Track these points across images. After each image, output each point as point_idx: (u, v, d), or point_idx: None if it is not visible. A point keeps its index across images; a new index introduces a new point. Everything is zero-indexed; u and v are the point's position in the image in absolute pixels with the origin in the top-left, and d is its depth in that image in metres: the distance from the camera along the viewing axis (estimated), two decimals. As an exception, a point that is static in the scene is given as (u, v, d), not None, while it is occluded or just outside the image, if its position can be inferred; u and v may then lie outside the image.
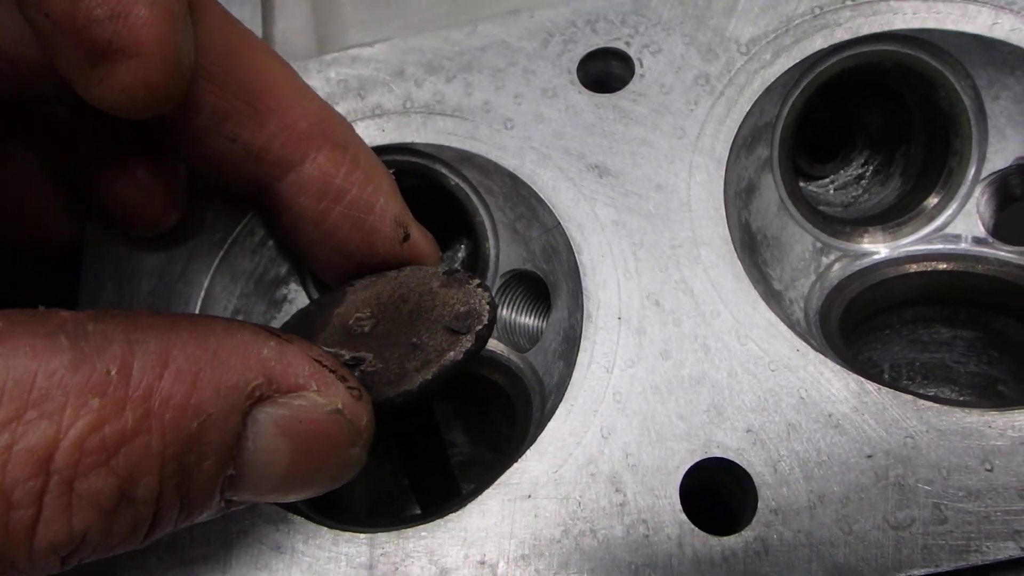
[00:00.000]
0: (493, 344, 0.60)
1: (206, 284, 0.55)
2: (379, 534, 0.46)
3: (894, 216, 0.62)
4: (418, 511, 0.67)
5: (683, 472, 0.46)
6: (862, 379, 0.47)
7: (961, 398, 0.66)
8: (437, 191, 0.59)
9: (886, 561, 0.43)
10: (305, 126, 0.49)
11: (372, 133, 0.57)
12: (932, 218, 0.60)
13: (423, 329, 0.47)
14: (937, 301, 0.63)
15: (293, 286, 0.61)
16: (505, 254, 0.60)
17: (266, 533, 0.46)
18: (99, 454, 0.33)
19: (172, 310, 0.54)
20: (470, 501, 0.46)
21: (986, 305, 0.62)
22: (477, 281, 0.49)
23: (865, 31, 0.55)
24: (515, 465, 0.47)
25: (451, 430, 0.70)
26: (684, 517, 0.45)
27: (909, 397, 0.46)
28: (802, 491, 0.45)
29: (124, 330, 0.35)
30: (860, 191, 0.67)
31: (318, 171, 0.50)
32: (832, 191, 0.68)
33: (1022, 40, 0.54)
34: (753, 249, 0.57)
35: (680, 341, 0.49)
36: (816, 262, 0.61)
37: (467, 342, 0.46)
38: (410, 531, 0.46)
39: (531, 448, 0.47)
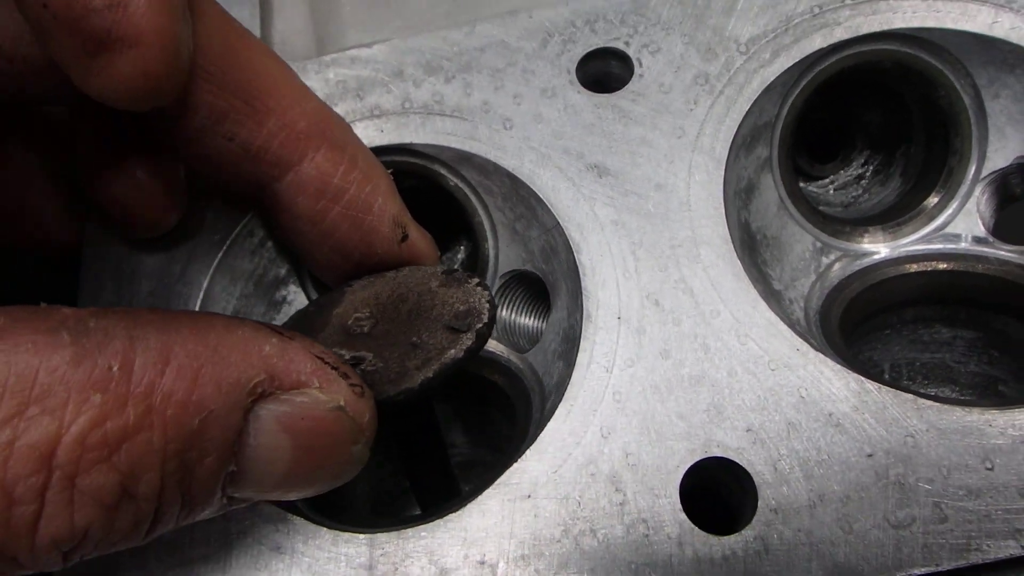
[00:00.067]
0: (493, 345, 0.60)
1: (205, 285, 0.55)
2: (379, 534, 0.46)
3: (894, 216, 0.62)
4: (418, 511, 0.67)
5: (683, 471, 0.46)
6: (862, 378, 0.47)
7: (962, 398, 0.66)
8: (436, 191, 0.59)
9: (886, 560, 0.43)
10: (303, 126, 0.49)
11: (371, 134, 0.57)
12: (932, 218, 0.60)
13: (423, 328, 0.47)
14: (937, 301, 0.63)
15: (292, 287, 0.61)
16: (504, 254, 0.60)
17: (266, 533, 0.46)
18: (101, 450, 0.33)
19: (172, 310, 0.54)
20: (470, 501, 0.46)
21: (986, 305, 0.62)
22: (476, 280, 0.49)
23: (864, 30, 0.56)
24: (515, 465, 0.47)
25: (451, 430, 0.70)
26: (684, 516, 0.45)
27: (909, 396, 0.46)
28: (802, 490, 0.45)
29: (125, 326, 0.35)
30: (860, 191, 0.67)
31: (316, 171, 0.50)
32: (832, 191, 0.68)
33: (1022, 39, 0.54)
34: (753, 249, 0.57)
35: (680, 340, 0.49)
36: (816, 262, 0.61)
37: (468, 340, 0.46)
38: (410, 531, 0.46)
39: (531, 448, 0.47)
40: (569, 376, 0.49)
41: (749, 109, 0.55)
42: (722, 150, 0.54)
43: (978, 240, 0.59)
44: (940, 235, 0.60)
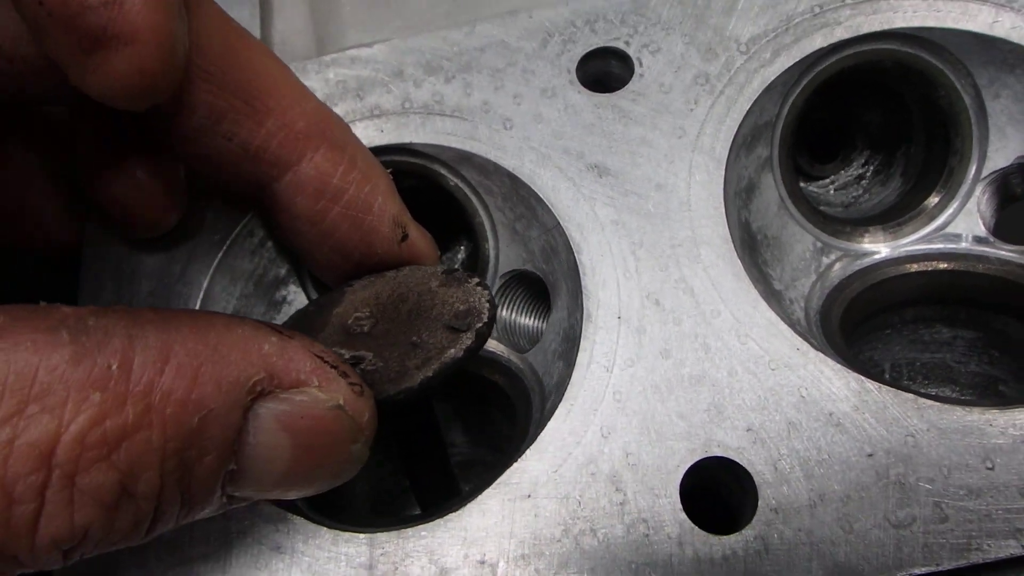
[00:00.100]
0: (493, 344, 0.60)
1: (205, 285, 0.55)
2: (379, 534, 0.46)
3: (895, 216, 0.62)
4: (418, 511, 0.67)
5: (683, 471, 0.46)
6: (863, 378, 0.47)
7: (962, 398, 0.66)
8: (436, 192, 0.59)
9: (887, 560, 0.43)
10: (302, 126, 0.49)
11: (371, 134, 0.57)
12: (933, 217, 0.60)
13: (423, 328, 0.47)
14: (938, 301, 0.63)
15: (292, 287, 0.61)
16: (505, 254, 0.60)
17: (266, 533, 0.46)
18: (100, 449, 0.33)
19: (172, 310, 0.54)
20: (470, 501, 0.46)
21: (987, 304, 0.62)
22: (476, 280, 0.49)
23: (865, 30, 0.56)
24: (515, 465, 0.47)
25: (451, 430, 0.70)
26: (684, 516, 0.45)
27: (910, 396, 0.46)
28: (803, 490, 0.45)
29: (125, 325, 0.35)
30: (860, 191, 0.67)
31: (315, 171, 0.50)
32: (832, 191, 0.68)
33: (1022, 38, 0.54)
34: (753, 248, 0.56)
35: (680, 340, 0.49)
36: (816, 262, 0.60)
37: (467, 339, 0.46)
38: (410, 531, 0.46)
39: (531, 448, 0.47)
40: (569, 376, 0.49)
41: (749, 109, 0.55)
42: (722, 150, 0.54)
43: (979, 240, 0.59)
44: (941, 235, 0.60)
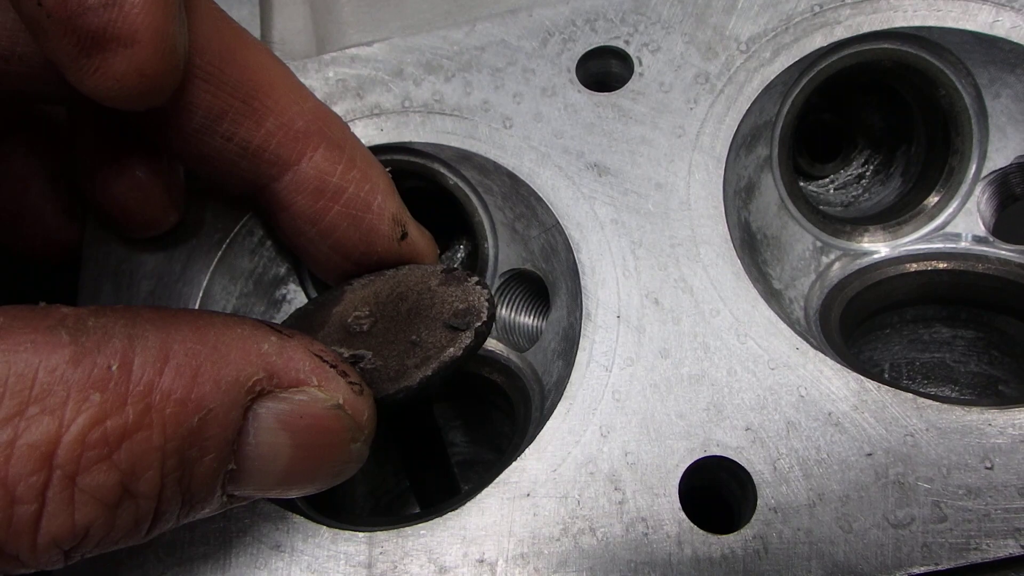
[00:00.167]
0: (492, 344, 0.60)
1: (205, 284, 0.55)
2: (378, 533, 0.46)
3: (894, 215, 0.62)
4: (417, 510, 0.67)
5: (682, 470, 0.46)
6: (862, 377, 0.47)
7: (962, 397, 0.66)
8: (436, 191, 0.59)
9: (886, 559, 0.43)
10: (302, 125, 0.49)
11: (371, 133, 0.57)
12: (932, 217, 0.60)
13: (422, 327, 0.47)
14: (937, 300, 0.63)
15: (292, 286, 0.61)
16: (504, 254, 0.60)
17: (265, 532, 0.46)
18: (101, 449, 0.33)
19: (171, 309, 0.54)
20: (469, 500, 0.46)
21: (987, 304, 0.62)
22: (475, 279, 0.49)
23: (865, 29, 0.55)
24: (514, 464, 0.47)
25: (451, 430, 0.70)
26: (683, 515, 0.45)
27: (909, 395, 0.46)
28: (802, 489, 0.45)
29: (124, 325, 0.35)
30: (860, 190, 0.67)
31: (315, 170, 0.50)
32: (832, 191, 0.68)
33: (1022, 38, 0.54)
34: (753, 248, 0.56)
35: (679, 339, 0.49)
36: (816, 261, 0.60)
37: (466, 338, 0.46)
38: (409, 530, 0.46)
39: (530, 447, 0.47)
40: (568, 375, 0.49)
41: (749, 108, 0.55)
42: (722, 149, 0.54)
43: (978, 239, 0.59)
44: (940, 234, 0.60)
